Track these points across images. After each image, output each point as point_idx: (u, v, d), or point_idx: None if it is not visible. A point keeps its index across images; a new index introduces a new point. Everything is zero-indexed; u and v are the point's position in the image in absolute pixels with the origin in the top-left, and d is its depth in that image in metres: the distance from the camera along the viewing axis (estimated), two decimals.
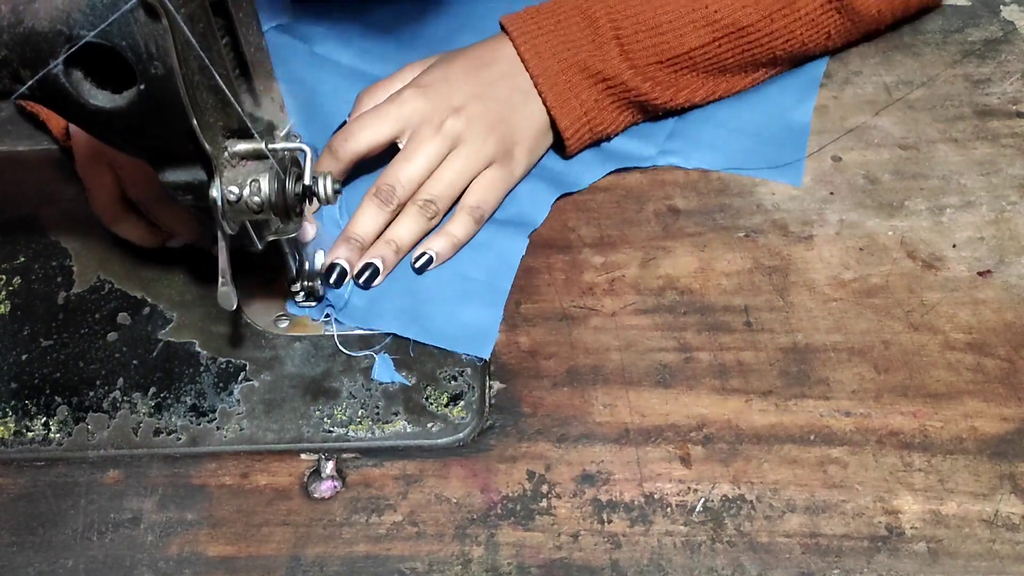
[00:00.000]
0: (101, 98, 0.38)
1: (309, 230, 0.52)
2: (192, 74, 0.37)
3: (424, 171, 0.54)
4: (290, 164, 0.43)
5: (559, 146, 0.59)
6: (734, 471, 0.47)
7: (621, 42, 0.57)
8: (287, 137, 0.44)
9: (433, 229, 0.55)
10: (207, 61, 0.36)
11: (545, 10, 0.58)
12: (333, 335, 0.51)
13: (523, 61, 0.56)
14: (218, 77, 0.37)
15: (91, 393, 0.50)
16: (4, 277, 0.55)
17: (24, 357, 0.51)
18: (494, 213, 0.56)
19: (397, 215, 0.54)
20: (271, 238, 0.46)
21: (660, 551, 0.45)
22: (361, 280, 0.52)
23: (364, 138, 0.54)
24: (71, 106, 0.38)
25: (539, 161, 0.59)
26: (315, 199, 0.43)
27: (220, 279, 0.43)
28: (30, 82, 0.37)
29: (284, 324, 0.52)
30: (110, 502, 0.46)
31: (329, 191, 0.43)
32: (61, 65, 0.36)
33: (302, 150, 0.42)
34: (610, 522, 0.46)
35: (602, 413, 0.49)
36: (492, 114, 0.55)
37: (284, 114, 0.44)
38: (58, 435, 0.48)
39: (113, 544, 0.45)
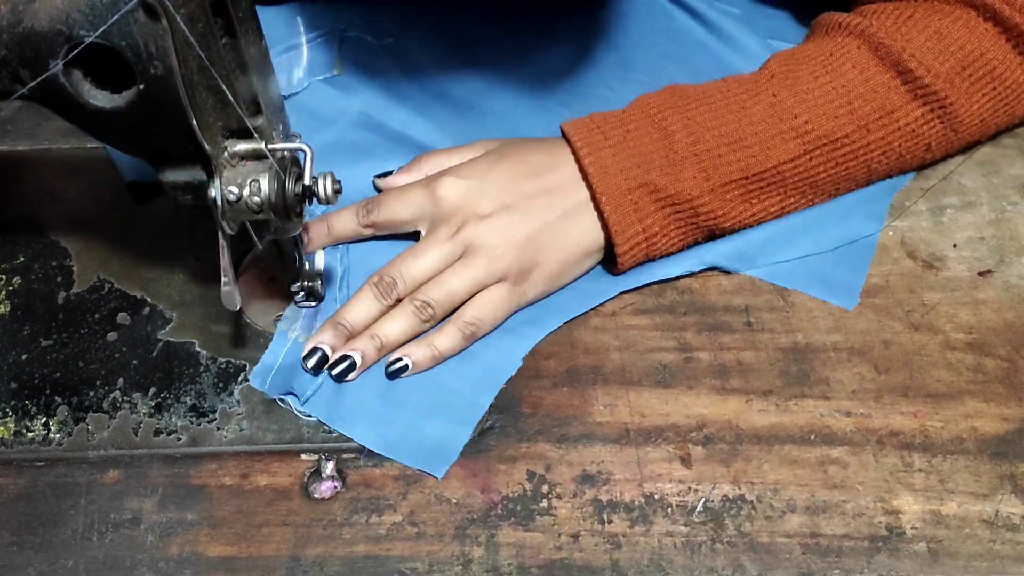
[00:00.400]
0: (101, 98, 0.38)
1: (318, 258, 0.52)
2: (192, 74, 0.37)
3: (430, 272, 0.51)
4: (290, 164, 0.43)
5: (606, 262, 0.54)
6: (734, 471, 0.47)
7: (700, 158, 0.51)
8: (287, 137, 0.44)
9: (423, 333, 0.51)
10: (207, 61, 0.36)
11: (613, 119, 0.53)
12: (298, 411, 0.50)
13: (584, 176, 0.51)
14: (218, 77, 0.37)
15: (91, 393, 0.50)
16: (4, 277, 0.54)
17: (24, 357, 0.51)
18: (490, 332, 0.51)
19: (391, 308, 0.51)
20: (271, 238, 0.46)
21: (660, 551, 0.45)
22: (335, 372, 0.49)
23: (386, 214, 0.53)
24: (71, 106, 0.38)
25: (568, 284, 0.54)
26: (314, 199, 0.43)
27: (223, 279, 0.43)
28: (31, 83, 0.37)
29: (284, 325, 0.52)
30: (110, 502, 0.46)
31: (329, 191, 0.43)
32: (61, 65, 0.36)
33: (302, 150, 0.42)
34: (610, 522, 0.46)
35: (602, 413, 0.49)
36: (520, 232, 0.51)
37: (284, 114, 0.44)
38: (58, 435, 0.48)
39: (113, 544, 0.45)
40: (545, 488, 0.47)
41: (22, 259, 0.55)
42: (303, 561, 0.44)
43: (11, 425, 0.49)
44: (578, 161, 0.52)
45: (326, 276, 0.52)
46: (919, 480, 0.47)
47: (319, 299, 0.52)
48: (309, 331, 0.51)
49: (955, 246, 0.56)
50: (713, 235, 0.54)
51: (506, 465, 0.48)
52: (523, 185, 0.52)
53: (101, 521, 0.46)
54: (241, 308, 0.52)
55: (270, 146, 0.41)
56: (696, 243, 0.54)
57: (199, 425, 0.49)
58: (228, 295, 0.43)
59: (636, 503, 0.46)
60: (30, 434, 0.48)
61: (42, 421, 0.49)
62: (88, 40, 0.35)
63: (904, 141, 0.53)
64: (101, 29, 0.34)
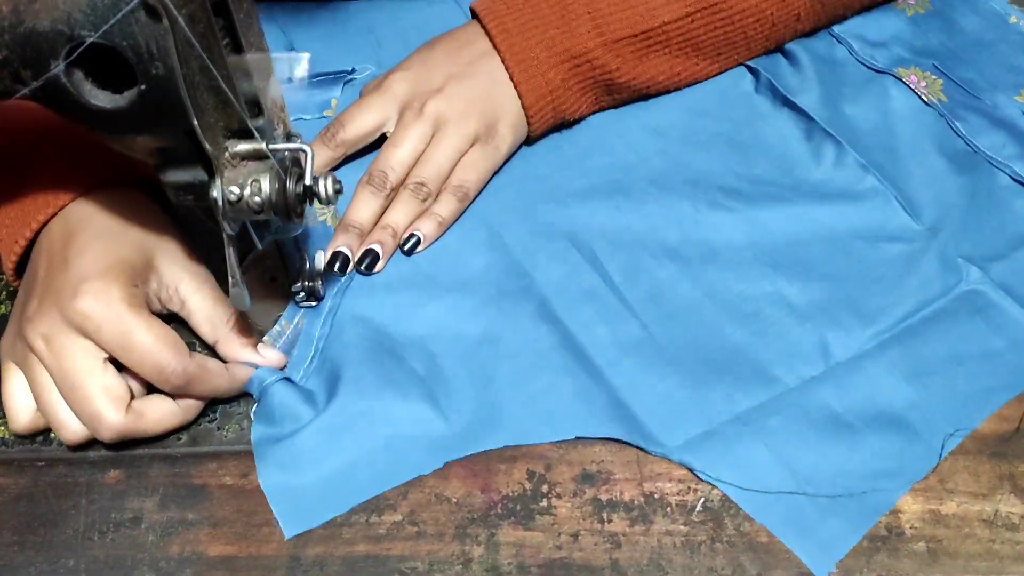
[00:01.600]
0: (102, 98, 0.38)
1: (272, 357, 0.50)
2: (193, 74, 0.37)
3: (412, 154, 0.55)
4: (291, 164, 0.43)
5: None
6: None
7: (593, 16, 0.56)
8: (287, 137, 0.44)
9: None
10: (208, 61, 0.36)
11: None
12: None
13: (491, 40, 0.57)
14: (219, 77, 0.37)
15: None
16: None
17: None
18: (480, 191, 0.56)
19: (391, 200, 0.55)
20: (272, 238, 0.46)
21: (660, 551, 0.45)
22: (363, 267, 0.53)
23: (352, 128, 0.55)
24: (72, 106, 0.38)
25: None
26: (316, 199, 0.43)
27: (231, 280, 0.43)
28: (33, 84, 0.37)
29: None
30: (111, 502, 0.46)
31: (330, 191, 0.43)
32: (62, 66, 0.36)
33: (303, 150, 0.42)
34: (610, 522, 0.46)
35: None
36: (472, 92, 0.56)
37: (284, 114, 0.44)
38: None
39: (114, 544, 0.45)
40: (545, 487, 0.47)
41: None
42: (303, 561, 0.44)
43: None
44: (485, 29, 0.57)
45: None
46: (919, 480, 0.47)
47: (319, 299, 0.52)
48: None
49: None
50: (618, 98, 0.60)
51: (506, 464, 0.48)
52: (461, 54, 0.57)
53: (102, 521, 0.46)
54: None
55: (271, 146, 0.41)
56: (599, 105, 0.60)
57: (199, 425, 0.49)
58: (237, 296, 0.43)
59: (636, 503, 0.46)
60: None
61: None
62: (89, 40, 0.35)
63: (776, 9, 0.59)
64: (102, 29, 0.34)
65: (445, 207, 0.54)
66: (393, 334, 0.51)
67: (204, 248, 0.55)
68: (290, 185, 0.42)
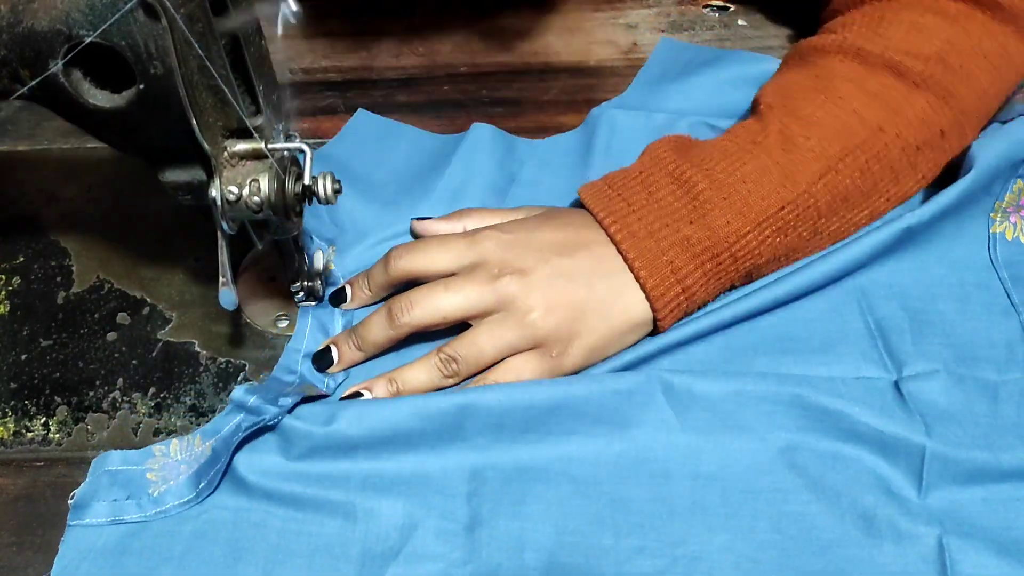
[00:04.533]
0: (101, 98, 0.38)
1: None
2: (191, 74, 0.37)
3: (456, 311, 0.47)
4: (290, 164, 0.43)
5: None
6: None
7: (729, 201, 0.48)
8: (286, 137, 0.44)
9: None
10: (206, 61, 0.36)
11: (632, 181, 0.50)
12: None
13: (616, 245, 0.48)
14: (218, 77, 0.37)
15: (91, 393, 0.50)
16: (4, 277, 0.54)
17: (24, 357, 0.51)
18: None
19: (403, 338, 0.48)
20: (271, 238, 0.46)
21: None
22: (341, 397, 0.48)
23: (419, 261, 0.49)
24: (71, 106, 0.38)
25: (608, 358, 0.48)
26: (314, 199, 0.43)
27: (220, 279, 0.43)
28: (31, 83, 0.37)
29: (284, 324, 0.52)
30: None
31: (329, 191, 0.43)
32: (61, 65, 0.36)
33: (302, 150, 0.42)
34: None
35: None
36: (563, 294, 0.47)
37: (284, 113, 0.44)
38: (58, 435, 0.48)
39: None
40: None
41: (22, 259, 0.55)
42: None
43: (11, 425, 0.49)
44: (606, 231, 0.48)
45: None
46: None
47: (319, 299, 0.52)
48: (167, 479, 0.46)
49: None
50: (750, 277, 0.50)
51: None
52: (569, 250, 0.48)
53: None
54: (241, 308, 0.52)
55: (270, 146, 0.41)
56: (732, 286, 0.51)
57: (199, 425, 0.49)
58: (226, 295, 0.43)
59: None
60: (30, 434, 0.48)
61: (42, 421, 0.49)
62: (88, 40, 0.35)
63: (917, 132, 0.50)
64: (101, 29, 0.34)
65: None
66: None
67: (205, 246, 0.55)
68: (289, 185, 0.42)
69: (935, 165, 0.52)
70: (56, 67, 0.36)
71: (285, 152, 0.42)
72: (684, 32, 0.67)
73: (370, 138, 0.60)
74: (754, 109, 0.54)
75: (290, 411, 0.46)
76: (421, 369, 0.47)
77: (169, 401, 0.49)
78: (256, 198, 0.40)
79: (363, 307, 0.52)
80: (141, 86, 0.36)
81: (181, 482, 0.45)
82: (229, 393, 0.49)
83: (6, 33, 0.36)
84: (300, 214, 0.44)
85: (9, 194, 0.59)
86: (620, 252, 0.48)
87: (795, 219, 0.49)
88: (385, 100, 0.63)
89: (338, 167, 0.51)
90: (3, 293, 0.54)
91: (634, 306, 0.47)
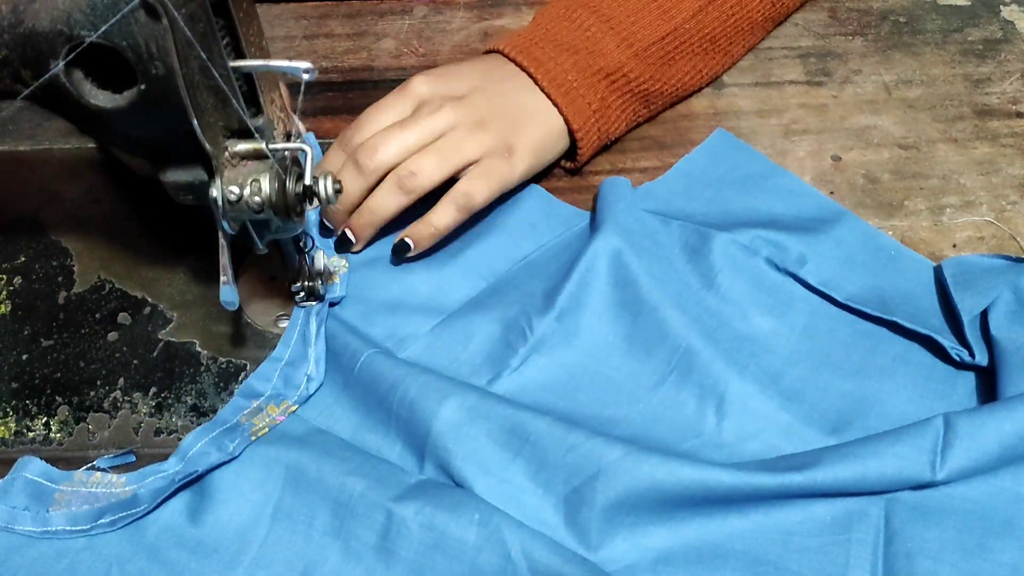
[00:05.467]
0: (102, 98, 0.38)
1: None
2: (192, 74, 0.37)
3: (416, 142, 0.51)
4: (291, 164, 0.43)
5: (569, 154, 0.58)
6: None
7: (615, 30, 0.56)
8: (288, 137, 0.44)
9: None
10: (208, 61, 0.36)
11: (533, 27, 0.58)
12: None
13: (526, 70, 0.55)
14: (219, 77, 0.37)
15: (92, 393, 0.50)
16: (5, 277, 0.55)
17: (24, 357, 0.51)
18: (484, 206, 0.53)
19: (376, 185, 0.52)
20: (272, 238, 0.46)
21: None
22: (336, 247, 0.53)
23: (367, 131, 0.53)
24: (71, 106, 0.38)
25: (547, 165, 0.56)
26: (315, 199, 0.43)
27: (222, 278, 0.43)
28: (33, 85, 0.37)
29: (284, 324, 0.52)
30: None
31: (330, 191, 0.43)
32: (62, 65, 0.36)
33: (303, 150, 0.42)
34: None
35: None
36: (497, 107, 0.53)
37: (284, 114, 0.44)
38: (59, 435, 0.48)
39: None
40: None
41: (23, 259, 0.55)
42: None
43: (12, 425, 0.49)
44: (516, 63, 0.56)
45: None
46: None
47: (320, 299, 0.52)
48: (69, 502, 0.46)
49: (955, 246, 0.56)
50: (648, 104, 0.59)
51: None
52: (492, 75, 0.55)
53: None
54: (241, 308, 0.52)
55: (271, 146, 0.41)
56: (637, 119, 0.59)
57: (200, 425, 0.49)
58: (227, 292, 0.43)
59: None
60: (31, 434, 0.49)
61: (43, 421, 0.49)
62: (89, 40, 0.35)
63: None
64: (102, 29, 0.34)
65: (443, 217, 0.52)
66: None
67: (206, 246, 0.55)
68: (290, 185, 0.42)
69: (787, 14, 0.66)
70: (57, 67, 0.36)
71: (286, 152, 0.42)
72: None
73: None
74: None
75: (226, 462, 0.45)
76: (384, 195, 0.51)
77: (170, 401, 0.49)
78: (257, 198, 0.40)
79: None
80: (142, 86, 0.36)
81: (80, 511, 0.44)
82: (230, 393, 0.49)
83: (7, 33, 0.36)
84: (301, 214, 0.44)
85: (10, 194, 0.59)
86: (530, 75, 0.55)
87: (673, 51, 0.58)
88: None
89: None
90: (4, 293, 0.54)
91: (552, 117, 0.55)
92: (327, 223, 0.54)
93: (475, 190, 0.52)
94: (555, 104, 0.55)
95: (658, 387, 0.49)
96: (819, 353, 0.50)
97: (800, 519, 0.43)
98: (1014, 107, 0.63)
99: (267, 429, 0.47)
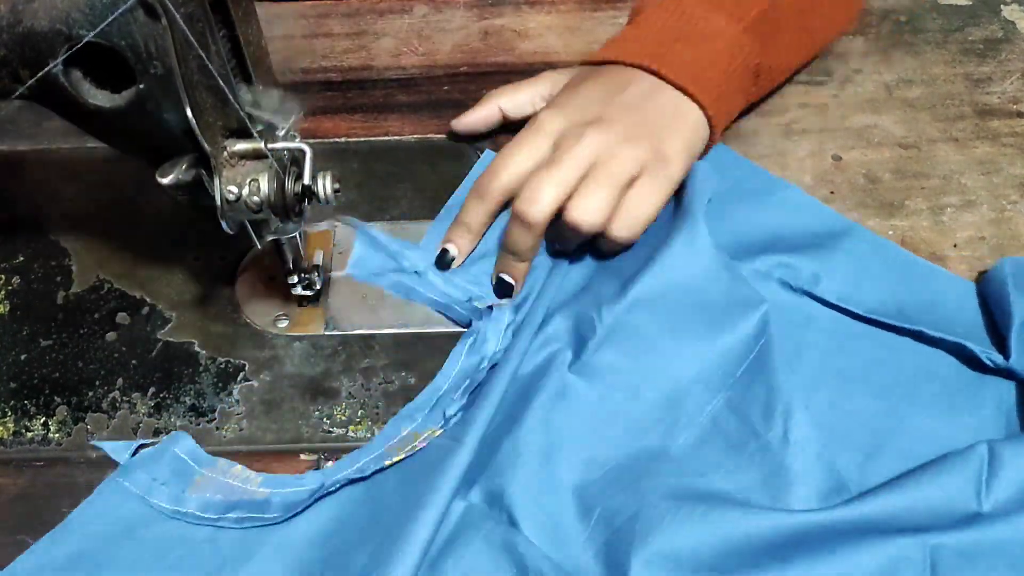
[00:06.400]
0: (100, 98, 0.38)
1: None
2: (191, 74, 0.37)
3: (568, 183, 0.49)
4: (289, 164, 0.43)
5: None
6: None
7: (721, 7, 0.55)
8: (286, 137, 0.44)
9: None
10: (207, 61, 0.36)
11: (636, 28, 0.56)
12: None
13: (649, 69, 0.53)
14: (218, 77, 0.37)
15: (90, 393, 0.50)
16: (3, 277, 0.54)
17: (23, 357, 0.51)
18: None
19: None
20: (271, 237, 0.46)
21: None
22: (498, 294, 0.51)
23: (506, 175, 0.51)
24: (70, 106, 0.38)
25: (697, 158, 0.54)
26: (314, 198, 0.43)
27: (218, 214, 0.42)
28: (30, 82, 0.37)
29: (283, 324, 0.52)
30: None
31: (328, 191, 0.43)
32: (60, 65, 0.36)
33: (302, 149, 0.42)
34: None
35: None
36: (635, 117, 0.51)
37: (283, 113, 0.44)
38: (57, 435, 0.48)
39: None
40: None
41: (22, 259, 0.55)
42: None
43: (10, 425, 0.49)
44: (635, 65, 0.54)
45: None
46: None
47: (317, 293, 0.52)
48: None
49: (955, 246, 0.56)
50: (758, 80, 0.57)
51: None
52: (617, 91, 0.53)
53: None
54: (241, 308, 0.52)
55: (270, 146, 0.41)
56: (748, 99, 0.58)
57: (198, 425, 0.49)
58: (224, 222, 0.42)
59: None
60: (29, 434, 0.48)
61: (41, 421, 0.49)
62: (87, 39, 0.35)
63: None
64: (100, 28, 0.34)
65: (625, 232, 0.51)
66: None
67: (205, 246, 0.55)
68: (288, 184, 0.42)
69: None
70: (55, 66, 0.36)
71: (285, 152, 0.42)
72: None
73: None
74: None
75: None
76: (565, 240, 0.51)
77: (169, 401, 0.49)
78: (256, 198, 0.40)
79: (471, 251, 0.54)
80: (141, 86, 0.36)
81: (213, 499, 0.45)
82: (229, 393, 0.49)
83: (6, 33, 0.36)
84: (300, 214, 0.44)
85: (9, 194, 0.59)
86: (656, 75, 0.53)
87: (775, 25, 0.56)
88: (385, 100, 0.63)
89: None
90: (3, 293, 0.54)
91: (691, 110, 0.53)
92: (506, 278, 0.51)
93: (645, 206, 0.51)
94: (688, 95, 0.53)
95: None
96: (843, 374, 0.49)
97: (845, 568, 0.42)
98: (1015, 107, 0.63)
99: (403, 456, 0.46)
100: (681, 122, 0.53)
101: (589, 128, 0.50)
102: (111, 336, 0.52)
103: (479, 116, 0.59)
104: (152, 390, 0.50)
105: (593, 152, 0.50)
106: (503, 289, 0.51)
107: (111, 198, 0.58)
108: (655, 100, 0.53)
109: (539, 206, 0.49)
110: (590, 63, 0.56)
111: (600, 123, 0.51)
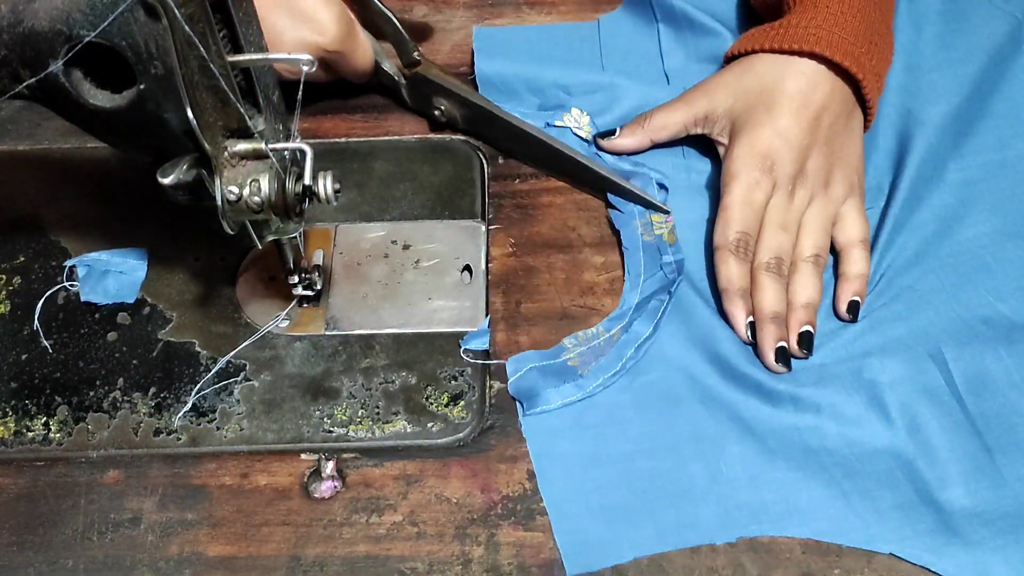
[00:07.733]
0: (101, 98, 0.38)
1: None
2: (192, 74, 0.37)
3: (793, 227, 0.53)
4: (290, 164, 0.43)
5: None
6: None
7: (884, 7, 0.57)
8: (287, 137, 0.44)
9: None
10: (207, 61, 0.36)
11: (780, 25, 0.56)
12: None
13: (820, 57, 0.54)
14: (219, 77, 0.37)
15: (91, 393, 0.50)
16: (4, 277, 0.54)
17: (24, 357, 0.51)
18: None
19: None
20: (271, 237, 0.46)
21: (661, 551, 0.45)
22: (803, 352, 0.50)
23: (737, 223, 0.53)
24: (71, 105, 0.38)
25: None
26: (315, 198, 0.43)
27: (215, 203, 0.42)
28: (30, 81, 0.36)
29: (284, 324, 0.52)
30: (110, 502, 0.46)
31: (329, 190, 0.43)
32: (61, 65, 0.36)
33: (302, 149, 0.42)
34: None
35: None
36: (831, 156, 0.54)
37: (283, 113, 0.44)
38: (58, 435, 0.48)
39: (113, 544, 0.45)
40: None
41: (22, 259, 0.55)
42: (303, 561, 0.44)
43: (11, 425, 0.49)
44: (789, 51, 0.55)
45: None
46: None
47: (317, 293, 0.52)
48: (587, 362, 0.50)
49: None
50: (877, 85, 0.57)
51: (506, 465, 0.48)
52: (805, 109, 0.54)
53: (101, 521, 0.46)
54: (241, 308, 0.52)
55: (270, 146, 0.41)
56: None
57: (199, 425, 0.49)
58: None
59: None
60: (30, 434, 0.48)
61: (42, 421, 0.49)
62: (87, 39, 0.35)
63: None
64: (101, 28, 0.34)
65: (863, 264, 0.53)
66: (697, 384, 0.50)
67: (205, 246, 0.55)
68: (289, 185, 0.42)
69: None
70: (56, 67, 0.36)
71: (286, 152, 0.42)
72: None
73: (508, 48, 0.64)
74: None
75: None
76: (806, 280, 0.53)
77: (169, 401, 0.49)
78: (256, 198, 0.40)
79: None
80: (141, 86, 0.36)
81: (603, 362, 0.50)
82: (229, 393, 0.49)
83: (6, 33, 0.36)
84: (301, 214, 0.44)
85: (9, 194, 0.59)
86: (833, 63, 0.53)
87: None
88: (385, 100, 0.63)
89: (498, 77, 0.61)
90: (3, 293, 0.54)
91: (857, 125, 0.56)
92: (771, 337, 0.51)
93: (864, 230, 0.54)
94: (859, 85, 0.54)
95: None
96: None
97: None
98: None
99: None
100: (857, 143, 0.56)
101: (799, 188, 0.54)
102: (112, 336, 0.52)
103: (629, 144, 0.59)
104: (153, 390, 0.50)
105: (804, 204, 0.54)
106: (784, 356, 0.51)
107: (111, 198, 0.58)
108: (837, 117, 0.55)
109: (787, 259, 0.53)
110: (774, 51, 0.56)
111: (804, 176, 0.54)
